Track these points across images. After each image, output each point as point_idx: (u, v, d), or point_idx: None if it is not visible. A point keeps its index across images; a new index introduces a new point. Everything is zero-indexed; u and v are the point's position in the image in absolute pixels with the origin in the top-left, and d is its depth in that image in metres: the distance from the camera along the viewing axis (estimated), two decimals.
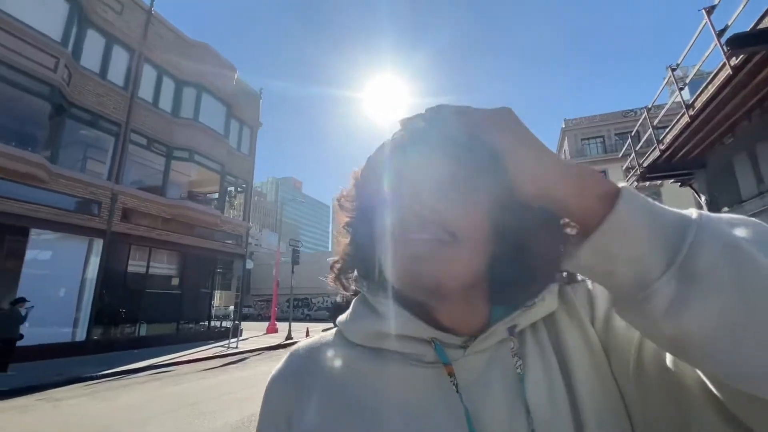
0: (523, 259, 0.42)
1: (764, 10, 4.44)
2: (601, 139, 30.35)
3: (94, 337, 10.52)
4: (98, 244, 10.85)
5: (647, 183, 11.20)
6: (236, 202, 17.52)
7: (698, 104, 6.45)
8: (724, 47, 4.82)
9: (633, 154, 10.05)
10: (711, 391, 0.30)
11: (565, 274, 0.47)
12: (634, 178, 10.22)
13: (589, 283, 0.47)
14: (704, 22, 5.44)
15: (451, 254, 0.38)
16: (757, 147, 6.99)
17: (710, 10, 5.34)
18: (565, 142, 31.74)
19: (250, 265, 16.61)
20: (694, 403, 0.33)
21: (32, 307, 8.48)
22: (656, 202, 0.31)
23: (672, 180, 10.50)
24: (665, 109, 8.07)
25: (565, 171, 0.33)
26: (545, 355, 0.43)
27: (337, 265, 0.53)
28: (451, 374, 0.41)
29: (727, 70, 5.35)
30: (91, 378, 7.84)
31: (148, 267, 12.40)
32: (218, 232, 14.99)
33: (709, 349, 0.27)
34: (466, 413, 0.39)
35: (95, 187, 10.91)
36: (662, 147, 8.34)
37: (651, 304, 0.28)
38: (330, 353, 0.48)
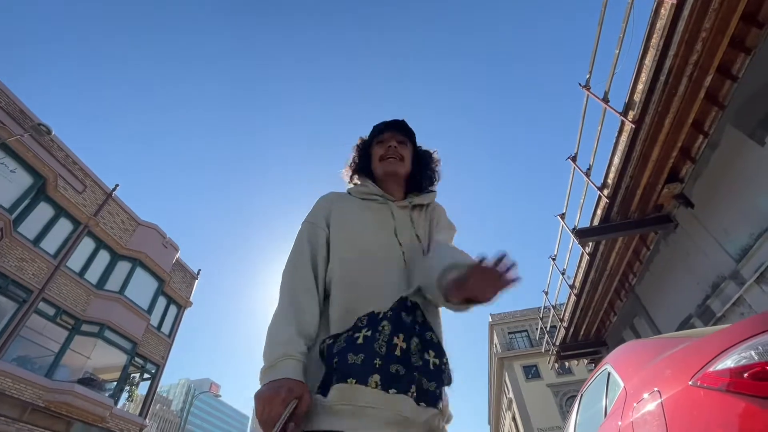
0: (418, 176, 1.31)
1: (592, 212, 6.37)
2: (526, 333, 32.30)
3: None
4: None
5: (567, 363, 11.87)
6: (135, 393, 14.78)
7: (577, 284, 7.96)
8: (575, 239, 6.53)
9: (546, 336, 11.02)
10: None
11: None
12: (554, 358, 10.93)
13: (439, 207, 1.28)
14: (561, 225, 7.42)
15: (402, 164, 1.26)
16: (635, 322, 8.32)
17: (563, 215, 7.39)
18: (495, 336, 33.24)
19: None
20: None
21: None
22: None
23: (586, 361, 11.34)
24: (556, 295, 9.54)
25: None
26: (422, 214, 1.23)
27: (349, 171, 1.35)
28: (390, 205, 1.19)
29: (585, 256, 7.03)
30: None
31: None
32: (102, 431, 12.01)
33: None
34: (393, 215, 1.09)
35: None
36: (564, 324, 9.49)
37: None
38: (342, 195, 1.23)
